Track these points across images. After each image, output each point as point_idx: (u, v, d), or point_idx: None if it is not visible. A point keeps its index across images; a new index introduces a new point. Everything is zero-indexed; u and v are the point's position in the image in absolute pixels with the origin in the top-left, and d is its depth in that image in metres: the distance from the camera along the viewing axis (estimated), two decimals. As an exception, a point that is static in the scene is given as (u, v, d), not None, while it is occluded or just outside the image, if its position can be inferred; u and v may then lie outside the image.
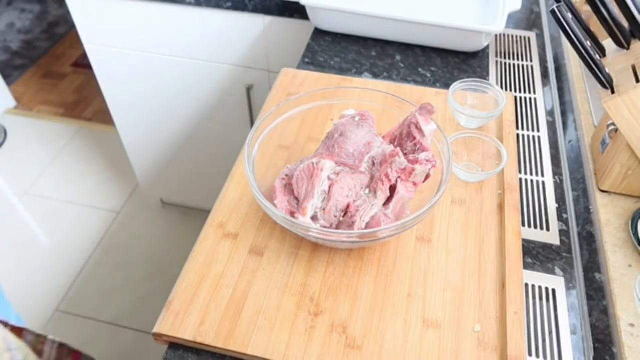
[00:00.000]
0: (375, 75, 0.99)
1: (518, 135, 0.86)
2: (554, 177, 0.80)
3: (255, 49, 1.29)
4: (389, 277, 0.63)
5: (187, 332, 0.58)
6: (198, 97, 1.45)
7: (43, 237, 1.88)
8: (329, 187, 0.63)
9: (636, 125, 0.65)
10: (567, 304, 0.64)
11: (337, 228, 0.63)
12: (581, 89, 0.92)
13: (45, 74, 2.58)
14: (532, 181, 0.79)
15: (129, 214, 1.96)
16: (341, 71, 1.00)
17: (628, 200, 0.73)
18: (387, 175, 0.62)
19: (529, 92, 0.95)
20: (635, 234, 0.67)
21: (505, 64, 1.03)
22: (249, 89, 1.36)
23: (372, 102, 0.74)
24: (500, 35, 1.10)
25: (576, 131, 0.86)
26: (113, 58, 1.41)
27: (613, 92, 0.67)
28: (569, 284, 0.66)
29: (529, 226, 0.72)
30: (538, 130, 0.88)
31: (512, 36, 1.11)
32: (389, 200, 0.63)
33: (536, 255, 0.69)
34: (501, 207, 0.71)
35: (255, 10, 1.20)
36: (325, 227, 0.62)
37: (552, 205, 0.75)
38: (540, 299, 0.64)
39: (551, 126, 0.89)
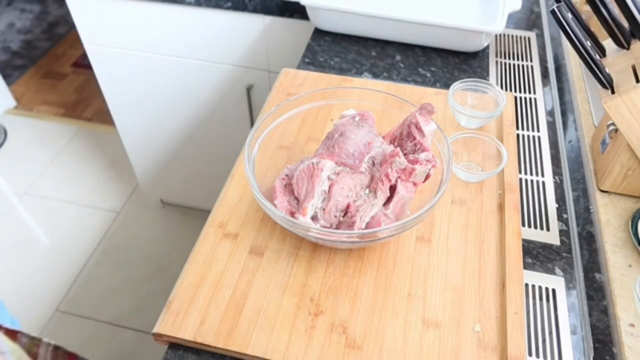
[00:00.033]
0: (375, 75, 0.99)
1: (518, 135, 0.86)
2: (554, 177, 0.80)
3: (255, 49, 1.29)
4: (389, 277, 0.63)
5: (187, 332, 0.58)
6: (198, 97, 1.45)
7: (43, 237, 1.88)
8: (329, 187, 0.63)
9: (636, 125, 0.65)
10: (567, 304, 0.64)
11: (337, 228, 0.63)
12: (581, 89, 0.92)
13: (45, 74, 2.58)
14: (532, 181, 0.79)
15: (129, 214, 1.96)
16: (341, 71, 1.00)
17: (628, 200, 0.73)
18: (387, 175, 0.62)
19: (529, 92, 0.95)
20: (635, 234, 0.67)
21: (505, 64, 1.03)
22: (249, 89, 1.36)
23: (372, 102, 0.74)
24: (500, 35, 1.10)
25: (576, 131, 0.86)
26: (113, 58, 1.41)
27: (613, 92, 0.67)
28: (569, 284, 0.66)
29: (529, 226, 0.72)
30: (538, 130, 0.88)
31: (512, 36, 1.11)
32: (389, 200, 0.63)
33: (536, 255, 0.69)
34: (501, 207, 0.71)
35: (255, 10, 1.20)
36: (325, 227, 0.62)
37: (552, 205, 0.75)
38: (540, 299, 0.64)
39: (551, 126, 0.89)
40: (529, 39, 1.10)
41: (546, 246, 0.70)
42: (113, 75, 1.47)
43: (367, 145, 0.66)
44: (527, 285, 0.65)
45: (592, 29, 0.75)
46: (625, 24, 0.68)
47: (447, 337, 0.58)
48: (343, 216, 0.63)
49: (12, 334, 0.71)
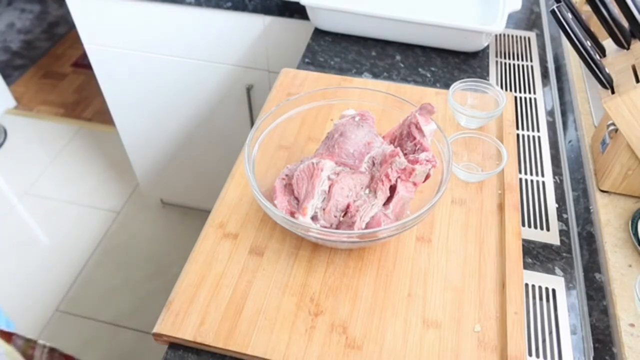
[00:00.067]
0: (375, 75, 0.99)
1: (518, 135, 0.86)
2: (554, 177, 0.80)
3: (255, 49, 1.29)
4: (389, 277, 0.63)
5: (187, 332, 0.58)
6: (198, 97, 1.45)
7: (43, 237, 1.88)
8: (329, 187, 0.63)
9: (636, 125, 0.65)
10: (567, 304, 0.64)
11: (337, 228, 0.63)
12: (581, 89, 0.92)
13: (45, 74, 2.58)
14: (532, 181, 0.79)
15: (129, 214, 1.96)
16: (341, 71, 1.00)
17: (628, 200, 0.73)
18: (387, 175, 0.62)
19: (529, 92, 0.95)
20: (635, 234, 0.67)
21: (505, 64, 1.03)
22: (249, 89, 1.36)
23: (372, 102, 0.74)
24: (500, 35, 1.10)
25: (576, 131, 0.86)
26: (113, 58, 1.41)
27: (613, 92, 0.67)
28: (569, 284, 0.66)
29: (529, 226, 0.72)
30: (538, 130, 0.88)
31: (512, 36, 1.11)
32: (389, 200, 0.63)
33: (536, 255, 0.69)
34: (501, 207, 0.71)
35: (255, 10, 1.20)
36: (325, 227, 0.62)
37: (552, 205, 0.75)
38: (540, 299, 0.64)
39: (551, 126, 0.89)
40: (529, 39, 1.10)
41: (546, 246, 0.70)
42: (113, 75, 1.47)
43: (367, 145, 0.66)
44: (527, 285, 0.65)
45: (592, 29, 0.75)
46: (625, 24, 0.68)
47: (447, 337, 0.58)
48: (343, 216, 0.63)
49: (7, 336, 0.71)
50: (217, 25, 1.27)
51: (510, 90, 0.96)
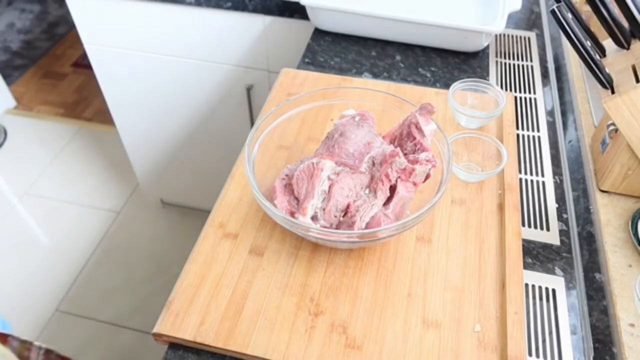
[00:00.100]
0: (375, 75, 0.99)
1: (518, 135, 0.86)
2: (554, 177, 0.80)
3: (255, 49, 1.29)
4: (389, 277, 0.63)
5: (187, 332, 0.58)
6: (198, 97, 1.45)
7: (43, 237, 1.88)
8: (329, 187, 0.63)
9: (636, 125, 0.65)
10: (567, 304, 0.64)
11: (337, 228, 0.63)
12: (581, 89, 0.92)
13: (45, 74, 2.58)
14: (532, 181, 0.79)
15: (129, 214, 1.96)
16: (341, 71, 1.00)
17: (628, 200, 0.73)
18: (387, 175, 0.62)
19: (529, 92, 0.95)
20: (635, 234, 0.67)
21: (505, 64, 1.03)
22: (249, 89, 1.36)
23: (372, 102, 0.74)
24: (500, 35, 1.10)
25: (576, 131, 0.86)
26: (113, 58, 1.41)
27: (613, 92, 0.67)
28: (569, 284, 0.66)
29: (529, 226, 0.72)
30: (538, 130, 0.88)
31: (512, 36, 1.11)
32: (389, 200, 0.63)
33: (536, 255, 0.69)
34: (501, 207, 0.71)
35: (255, 10, 1.20)
36: (325, 227, 0.62)
37: (552, 205, 0.75)
38: (540, 299, 0.64)
39: (551, 126, 0.89)
40: (529, 39, 1.10)
41: (546, 246, 0.70)
42: (113, 75, 1.47)
43: (367, 145, 0.66)
44: (527, 285, 0.65)
45: (592, 29, 0.75)
46: (625, 24, 0.68)
47: (447, 337, 0.58)
48: (343, 216, 0.63)
49: (2, 338, 0.71)
50: (217, 25, 1.27)
51: (510, 90, 0.96)
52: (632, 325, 0.59)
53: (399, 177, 0.62)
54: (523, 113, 0.91)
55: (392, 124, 0.71)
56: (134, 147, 1.68)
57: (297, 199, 0.64)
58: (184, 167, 1.69)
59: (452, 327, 0.58)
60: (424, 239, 0.67)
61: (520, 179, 0.79)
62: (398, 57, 1.03)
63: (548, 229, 0.72)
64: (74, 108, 2.39)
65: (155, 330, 0.59)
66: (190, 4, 1.23)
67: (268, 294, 0.61)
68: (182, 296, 0.61)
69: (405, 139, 0.66)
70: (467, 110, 0.82)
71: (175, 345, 0.59)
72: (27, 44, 2.74)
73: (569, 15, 0.68)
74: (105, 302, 1.69)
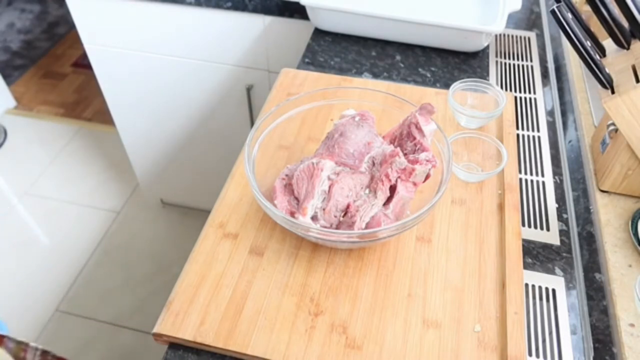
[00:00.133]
0: (375, 75, 0.99)
1: (518, 135, 0.86)
2: (554, 177, 0.80)
3: (255, 49, 1.29)
4: (389, 277, 0.63)
5: (187, 332, 0.58)
6: (198, 97, 1.45)
7: (43, 237, 1.88)
8: (329, 187, 0.63)
9: (636, 125, 0.65)
10: (567, 304, 0.64)
11: (337, 228, 0.63)
12: (581, 89, 0.92)
13: (45, 74, 2.58)
14: (532, 181, 0.79)
15: (129, 214, 1.96)
16: (341, 71, 1.00)
17: (628, 200, 0.73)
18: (387, 175, 0.62)
19: (529, 92, 0.95)
20: (635, 234, 0.67)
21: (505, 64, 1.03)
22: (249, 89, 1.36)
23: (372, 102, 0.74)
24: (500, 35, 1.10)
25: (576, 131, 0.86)
26: (113, 58, 1.41)
27: (613, 92, 0.67)
28: (569, 284, 0.66)
29: (529, 226, 0.72)
30: (538, 130, 0.88)
31: (512, 36, 1.11)
32: (389, 200, 0.63)
33: (536, 255, 0.69)
34: (501, 207, 0.71)
35: (255, 10, 1.20)
36: (325, 227, 0.62)
37: (552, 205, 0.75)
38: (540, 299, 0.64)
39: (551, 126, 0.89)
40: (529, 39, 1.10)
41: (546, 246, 0.70)
42: (113, 75, 1.47)
43: (367, 145, 0.66)
44: (527, 285, 0.65)
45: (592, 29, 0.75)
46: (625, 24, 0.68)
47: (447, 337, 0.58)
48: (343, 216, 0.63)
49: None
50: (217, 25, 1.27)
51: (510, 90, 0.96)
52: (632, 325, 0.59)
53: (399, 177, 0.62)
54: (523, 113, 0.91)
55: (392, 124, 0.71)
56: (134, 147, 1.68)
57: (297, 199, 0.64)
58: (184, 167, 1.69)
59: (452, 327, 0.58)
60: (424, 239, 0.67)
61: (520, 179, 0.79)
62: (398, 57, 1.03)
63: (548, 229, 0.72)
64: (74, 108, 2.39)
65: (155, 330, 0.59)
66: (190, 4, 1.23)
67: (268, 294, 0.61)
68: (182, 296, 0.61)
69: (405, 139, 0.66)
70: (467, 110, 0.82)
71: (175, 345, 0.59)
72: (27, 44, 2.74)
73: (569, 15, 0.68)
74: (105, 302, 1.69)
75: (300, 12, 1.18)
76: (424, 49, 1.05)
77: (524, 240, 0.70)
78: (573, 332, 0.61)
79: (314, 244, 0.66)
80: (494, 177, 0.75)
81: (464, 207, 0.71)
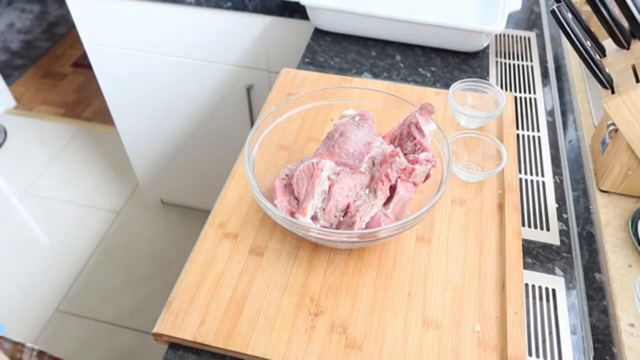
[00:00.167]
0: (375, 75, 0.99)
1: (518, 135, 0.86)
2: (554, 177, 0.80)
3: (255, 49, 1.29)
4: (389, 277, 0.63)
5: (187, 332, 0.58)
6: (198, 97, 1.45)
7: (43, 237, 1.88)
8: (329, 187, 0.63)
9: (636, 125, 0.65)
10: (567, 304, 0.64)
11: (337, 228, 0.63)
12: (581, 89, 0.92)
13: (45, 74, 2.58)
14: (532, 181, 0.79)
15: (129, 214, 1.96)
16: (341, 71, 1.00)
17: (628, 200, 0.73)
18: (387, 175, 0.62)
19: (529, 92, 0.95)
20: (635, 234, 0.67)
21: (505, 64, 1.03)
22: (249, 89, 1.36)
23: (372, 102, 0.74)
24: (500, 35, 1.10)
25: (576, 131, 0.86)
26: (113, 58, 1.41)
27: (613, 92, 0.67)
28: (569, 284, 0.66)
29: (529, 226, 0.72)
30: (538, 130, 0.88)
31: (512, 36, 1.11)
32: (389, 200, 0.63)
33: (536, 255, 0.69)
34: (501, 207, 0.71)
35: (255, 10, 1.20)
36: (325, 227, 0.62)
37: (552, 205, 0.75)
38: (540, 299, 0.64)
39: (551, 126, 0.89)
40: (529, 39, 1.10)
41: (546, 246, 0.70)
42: (113, 75, 1.47)
43: (367, 145, 0.66)
44: (527, 285, 0.65)
45: (592, 29, 0.75)
46: (625, 24, 0.68)
47: (447, 337, 0.58)
48: (343, 216, 0.63)
49: None
50: (217, 25, 1.27)
51: (510, 90, 0.96)
52: (632, 325, 0.59)
53: (399, 177, 0.62)
54: (523, 113, 0.91)
55: (392, 124, 0.71)
56: (134, 147, 1.68)
57: (297, 199, 0.64)
58: (184, 167, 1.69)
59: (452, 327, 0.58)
60: (424, 239, 0.67)
61: (520, 179, 0.79)
62: (398, 57, 1.03)
63: (548, 229, 0.72)
64: (74, 108, 2.39)
65: (155, 330, 0.59)
66: (190, 4, 1.23)
67: (268, 294, 0.61)
68: (182, 296, 0.61)
69: (405, 139, 0.66)
70: (467, 110, 0.82)
71: (175, 345, 0.59)
72: (27, 44, 2.74)
73: (569, 15, 0.68)
74: (105, 302, 1.69)
75: (300, 12, 1.18)
76: (424, 49, 1.05)
77: (524, 240, 0.70)
78: (573, 332, 0.61)
79: (314, 244, 0.66)
80: (494, 177, 0.75)
81: (464, 207, 0.71)
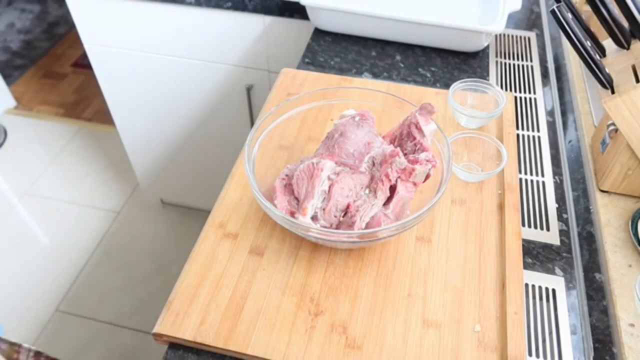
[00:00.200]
0: (375, 75, 0.99)
1: (518, 135, 0.86)
2: (554, 177, 0.80)
3: (255, 49, 1.29)
4: (389, 277, 0.63)
5: (187, 332, 0.58)
6: (198, 97, 1.45)
7: (43, 237, 1.88)
8: (329, 187, 0.63)
9: (636, 125, 0.65)
10: (567, 304, 0.64)
11: (337, 228, 0.63)
12: (581, 89, 0.92)
13: (45, 74, 2.58)
14: (532, 181, 0.79)
15: (129, 214, 1.96)
16: (341, 71, 1.00)
17: (628, 200, 0.73)
18: (387, 175, 0.62)
19: (529, 92, 0.95)
20: (635, 234, 0.67)
21: (505, 64, 1.03)
22: (249, 89, 1.36)
23: (372, 102, 0.74)
24: (500, 35, 1.10)
25: (576, 131, 0.86)
26: (113, 58, 1.41)
27: (613, 92, 0.67)
28: (569, 284, 0.66)
29: (529, 226, 0.72)
30: (538, 130, 0.88)
31: (512, 36, 1.11)
32: (389, 200, 0.63)
33: (536, 255, 0.69)
34: (501, 207, 0.71)
35: (255, 10, 1.20)
36: (325, 227, 0.62)
37: (552, 205, 0.75)
38: (540, 299, 0.64)
39: (551, 126, 0.89)
40: (529, 39, 1.10)
41: (546, 246, 0.70)
42: (113, 75, 1.47)
43: (367, 145, 0.66)
44: (527, 285, 0.65)
45: (592, 29, 0.75)
46: (625, 24, 0.68)
47: (447, 337, 0.58)
48: (343, 216, 0.63)
49: None
50: (217, 25, 1.27)
51: (510, 90, 0.96)
52: (632, 325, 0.59)
53: (399, 177, 0.62)
54: (523, 113, 0.91)
55: (392, 124, 0.71)
56: (134, 147, 1.68)
57: (297, 199, 0.64)
58: (184, 167, 1.69)
59: (452, 327, 0.58)
60: (424, 239, 0.67)
61: (520, 179, 0.79)
62: (398, 57, 1.03)
63: (548, 229, 0.72)
64: (74, 108, 2.39)
65: (155, 330, 0.59)
66: (190, 4, 1.23)
67: (268, 294, 0.61)
68: (182, 296, 0.61)
69: (405, 139, 0.66)
70: (467, 110, 0.82)
71: (175, 345, 0.59)
72: (27, 44, 2.74)
73: (569, 15, 0.68)
74: (105, 302, 1.69)
75: (300, 12, 1.18)
76: (424, 49, 1.05)
77: (524, 240, 0.70)
78: (573, 332, 0.61)
79: (314, 244, 0.66)
80: (494, 177, 0.75)
81: (464, 207, 0.71)
